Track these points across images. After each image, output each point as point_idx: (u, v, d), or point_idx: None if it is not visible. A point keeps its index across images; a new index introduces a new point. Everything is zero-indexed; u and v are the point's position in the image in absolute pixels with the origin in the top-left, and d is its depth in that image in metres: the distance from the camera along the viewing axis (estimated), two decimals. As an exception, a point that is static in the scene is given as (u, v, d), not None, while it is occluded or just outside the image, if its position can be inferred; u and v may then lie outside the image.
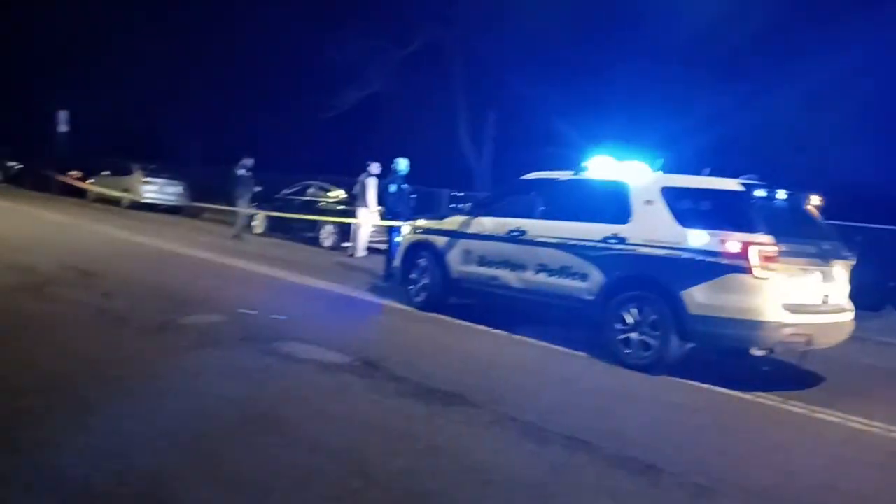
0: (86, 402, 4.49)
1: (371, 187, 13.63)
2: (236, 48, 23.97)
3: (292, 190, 17.70)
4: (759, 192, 6.64)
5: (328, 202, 16.59)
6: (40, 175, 24.80)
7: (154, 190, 21.86)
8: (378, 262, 12.34)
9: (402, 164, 11.97)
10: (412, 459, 4.01)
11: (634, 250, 6.78)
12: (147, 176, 21.99)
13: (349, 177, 15.25)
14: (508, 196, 8.74)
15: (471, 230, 8.33)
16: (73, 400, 4.50)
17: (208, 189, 21.38)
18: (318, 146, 22.70)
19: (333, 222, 15.48)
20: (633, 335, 6.65)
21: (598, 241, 7.03)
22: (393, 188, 12.02)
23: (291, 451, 3.94)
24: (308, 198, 17.11)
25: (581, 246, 7.15)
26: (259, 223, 17.51)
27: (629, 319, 6.69)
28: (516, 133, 20.45)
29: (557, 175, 7.97)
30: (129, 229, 15.07)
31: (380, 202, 13.23)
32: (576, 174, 7.72)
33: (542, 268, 7.49)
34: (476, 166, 21.89)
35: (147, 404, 4.52)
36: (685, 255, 6.44)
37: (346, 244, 14.88)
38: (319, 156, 21.30)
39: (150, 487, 3.40)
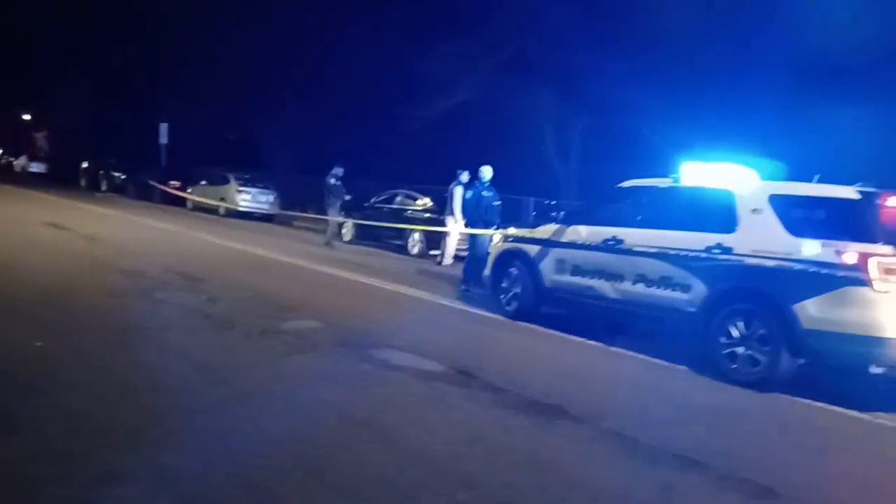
0: (197, 404, 4.62)
1: (457, 195, 13.65)
2: (328, 60, 24.57)
3: (381, 198, 17.95)
4: (878, 201, 6.23)
5: (415, 210, 16.72)
6: (143, 185, 26.06)
7: (248, 199, 22.62)
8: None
9: (483, 172, 11.95)
10: (515, 473, 3.93)
11: (741, 261, 6.49)
12: (241, 185, 22.79)
13: (437, 185, 15.33)
14: (604, 204, 8.55)
15: (565, 239, 8.20)
16: (186, 402, 4.65)
17: (300, 198, 21.97)
18: (407, 155, 22.97)
19: (420, 230, 15.59)
20: (740, 349, 6.35)
21: (702, 251, 6.77)
22: (468, 195, 12.02)
23: (395, 460, 3.94)
24: (396, 206, 17.30)
25: (683, 256, 6.91)
26: (348, 231, 17.83)
27: (735, 333, 6.40)
28: (604, 142, 20.07)
29: (656, 182, 7.73)
30: (226, 237, 15.63)
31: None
32: (676, 181, 7.47)
33: (641, 278, 7.28)
34: (562, 175, 21.65)
35: (254, 408, 4.62)
36: (797, 266, 6.11)
37: (433, 252, 14.95)
38: (408, 165, 21.55)
39: (260, 491, 3.45)
